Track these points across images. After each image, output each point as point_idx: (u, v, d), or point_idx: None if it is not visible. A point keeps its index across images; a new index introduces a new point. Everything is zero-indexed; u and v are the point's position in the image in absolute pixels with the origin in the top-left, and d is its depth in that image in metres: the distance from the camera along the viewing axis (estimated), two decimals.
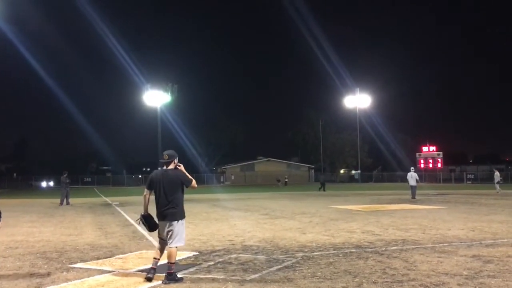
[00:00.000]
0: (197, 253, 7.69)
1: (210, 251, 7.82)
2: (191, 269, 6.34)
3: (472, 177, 58.09)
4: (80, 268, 6.38)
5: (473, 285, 5.24)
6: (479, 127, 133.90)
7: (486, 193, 28.06)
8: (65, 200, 21.01)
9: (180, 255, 7.44)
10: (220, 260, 7.04)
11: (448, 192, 29.97)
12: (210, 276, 5.92)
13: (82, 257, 7.37)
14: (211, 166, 79.89)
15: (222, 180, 70.05)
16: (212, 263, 6.81)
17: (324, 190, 35.17)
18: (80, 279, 5.84)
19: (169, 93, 56.73)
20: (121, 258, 7.28)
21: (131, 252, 7.91)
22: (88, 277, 5.92)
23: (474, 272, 5.92)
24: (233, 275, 5.93)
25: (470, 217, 13.19)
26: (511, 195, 25.33)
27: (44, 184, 61.60)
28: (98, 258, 7.27)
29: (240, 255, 7.47)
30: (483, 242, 8.47)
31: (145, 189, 5.88)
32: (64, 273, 6.20)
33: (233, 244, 8.60)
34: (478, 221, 11.93)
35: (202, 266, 6.59)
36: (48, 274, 6.16)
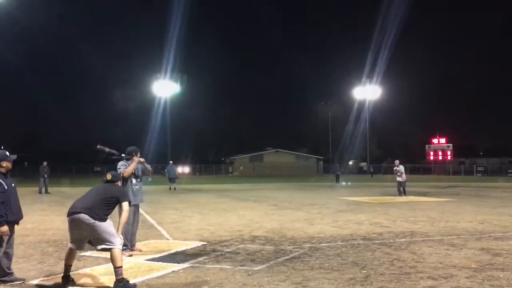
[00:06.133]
0: (206, 242, 7.73)
1: (218, 241, 7.87)
2: (199, 259, 6.39)
3: (482, 169, 57.61)
4: (89, 256, 6.44)
5: (481, 278, 5.21)
6: (489, 120, 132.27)
7: (496, 186, 27.83)
8: (43, 189, 21.96)
9: (189, 245, 7.51)
10: (228, 250, 7.08)
11: (458, 185, 29.78)
12: (218, 266, 5.96)
13: (92, 246, 7.44)
14: (220, 157, 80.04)
15: (230, 170, 70.20)
16: (220, 253, 6.85)
17: (338, 182, 34.07)
18: (90, 267, 5.92)
19: (179, 84, 56.85)
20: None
21: (139, 241, 7.98)
22: (98, 265, 6.00)
23: (483, 265, 5.89)
24: (241, 265, 5.96)
25: (480, 210, 13.11)
26: None
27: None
28: None
29: (248, 245, 7.50)
30: (492, 235, 8.42)
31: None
32: (74, 261, 6.26)
33: (241, 235, 8.64)
34: (487, 214, 11.85)
35: (210, 255, 6.64)
36: (58, 262, 6.24)
